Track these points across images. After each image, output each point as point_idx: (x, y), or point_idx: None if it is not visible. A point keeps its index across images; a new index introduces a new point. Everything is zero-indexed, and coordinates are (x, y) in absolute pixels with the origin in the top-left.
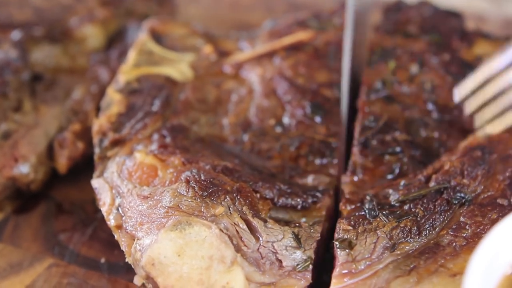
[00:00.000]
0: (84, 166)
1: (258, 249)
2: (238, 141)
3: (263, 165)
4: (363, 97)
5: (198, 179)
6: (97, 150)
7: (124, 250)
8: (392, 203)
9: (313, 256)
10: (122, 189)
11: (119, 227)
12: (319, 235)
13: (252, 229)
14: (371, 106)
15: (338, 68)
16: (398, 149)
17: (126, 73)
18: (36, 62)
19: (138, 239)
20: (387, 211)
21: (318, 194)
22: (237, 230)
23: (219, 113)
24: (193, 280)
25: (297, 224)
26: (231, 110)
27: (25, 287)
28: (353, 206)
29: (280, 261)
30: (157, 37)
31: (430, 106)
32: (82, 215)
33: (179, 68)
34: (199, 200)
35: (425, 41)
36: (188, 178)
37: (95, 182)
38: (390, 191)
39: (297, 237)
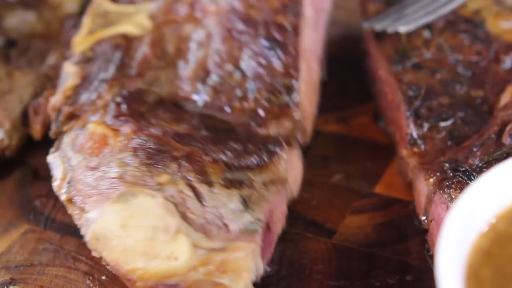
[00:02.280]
0: None
1: (204, 215)
2: (199, 96)
3: (222, 120)
4: (390, 68)
5: (145, 147)
6: (53, 126)
7: (77, 224)
8: (480, 164)
9: (262, 218)
10: (73, 162)
11: (70, 200)
12: (272, 196)
13: (198, 195)
14: (404, 76)
15: None
16: (447, 113)
17: (80, 43)
18: (10, 27)
19: (85, 213)
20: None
21: (273, 148)
22: (182, 198)
23: (179, 67)
24: (137, 252)
25: (250, 185)
26: (191, 61)
27: (0, 253)
28: (438, 174)
29: (227, 226)
30: None
31: (457, 65)
32: None
33: (136, 21)
34: (144, 168)
35: None
36: (136, 146)
37: (50, 158)
38: (466, 154)
39: (244, 200)
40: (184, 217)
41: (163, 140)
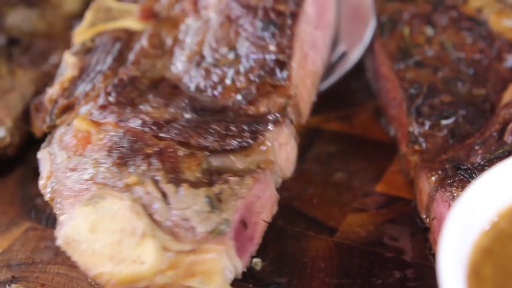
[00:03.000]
0: None
1: (171, 217)
2: (191, 77)
3: (212, 101)
4: (392, 66)
5: (119, 145)
6: (47, 119)
7: None
8: (481, 162)
9: (230, 218)
10: (58, 160)
11: (52, 201)
12: (245, 191)
13: (164, 197)
14: (406, 73)
15: None
16: (449, 111)
17: (81, 34)
18: (12, 26)
19: (62, 215)
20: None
21: (258, 127)
22: (150, 199)
23: (176, 54)
24: (105, 256)
25: (227, 179)
26: (187, 47)
27: (2, 251)
28: (440, 173)
29: (194, 228)
30: None
31: (459, 63)
32: None
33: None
34: (115, 169)
35: (424, 2)
36: (111, 145)
37: (40, 154)
38: (467, 152)
39: (211, 200)
40: (152, 219)
41: (139, 135)
